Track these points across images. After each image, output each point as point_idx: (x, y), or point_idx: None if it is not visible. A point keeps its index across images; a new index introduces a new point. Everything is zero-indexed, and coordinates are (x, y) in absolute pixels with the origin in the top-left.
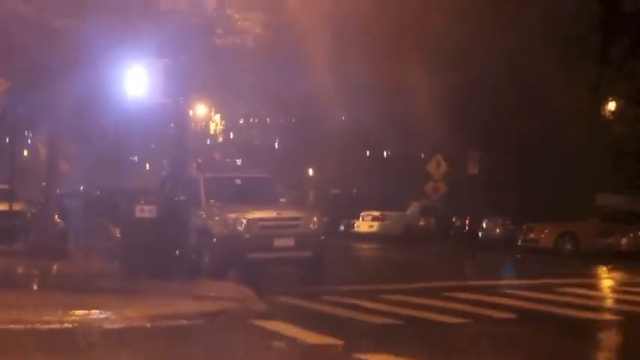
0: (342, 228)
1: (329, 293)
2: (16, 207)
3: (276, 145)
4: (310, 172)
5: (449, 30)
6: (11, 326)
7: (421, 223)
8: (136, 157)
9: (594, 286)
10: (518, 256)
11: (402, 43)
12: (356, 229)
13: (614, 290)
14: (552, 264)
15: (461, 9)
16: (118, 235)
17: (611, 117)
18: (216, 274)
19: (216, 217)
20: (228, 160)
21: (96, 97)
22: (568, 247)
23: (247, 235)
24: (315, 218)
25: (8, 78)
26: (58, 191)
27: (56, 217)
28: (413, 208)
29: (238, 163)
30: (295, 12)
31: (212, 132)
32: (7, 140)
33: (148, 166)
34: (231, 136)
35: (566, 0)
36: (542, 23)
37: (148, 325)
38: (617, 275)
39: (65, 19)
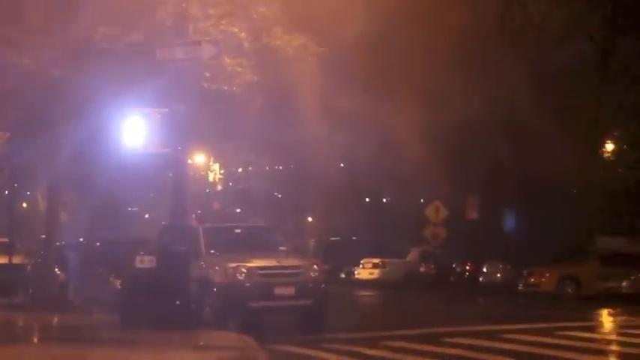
0: (342, 275)
1: (330, 341)
2: (16, 260)
3: (276, 193)
4: (310, 219)
5: (442, 74)
6: None
7: (421, 269)
8: (136, 207)
9: (596, 330)
10: (519, 300)
11: (395, 89)
12: (357, 276)
13: (616, 333)
14: (553, 307)
15: (451, 54)
16: (119, 286)
17: (611, 158)
18: (217, 323)
19: (217, 267)
20: (228, 209)
21: (94, 148)
22: (569, 290)
23: (248, 284)
24: (315, 266)
25: (6, 129)
26: (57, 243)
27: (56, 269)
28: (413, 255)
29: (238, 212)
30: (289, 59)
31: (211, 181)
32: (6, 192)
33: (147, 215)
34: (230, 185)
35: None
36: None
37: None
38: (619, 318)
39: (62, 70)
